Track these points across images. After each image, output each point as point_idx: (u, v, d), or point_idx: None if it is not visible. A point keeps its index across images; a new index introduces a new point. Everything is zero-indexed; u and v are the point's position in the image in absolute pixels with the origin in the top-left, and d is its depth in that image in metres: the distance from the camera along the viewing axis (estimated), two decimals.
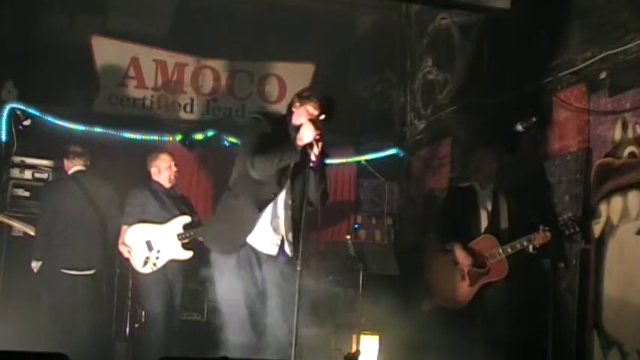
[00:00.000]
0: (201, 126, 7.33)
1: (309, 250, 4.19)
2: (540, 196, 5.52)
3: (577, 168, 5.25)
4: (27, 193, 6.52)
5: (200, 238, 5.36)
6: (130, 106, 7.45)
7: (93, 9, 7.48)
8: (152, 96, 7.52)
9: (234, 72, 7.72)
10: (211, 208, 6.64)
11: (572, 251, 5.22)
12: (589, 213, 5.08)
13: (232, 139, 7.08)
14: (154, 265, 5.72)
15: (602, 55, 5.09)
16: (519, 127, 5.66)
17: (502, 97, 6.10)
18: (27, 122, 6.64)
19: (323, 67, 7.59)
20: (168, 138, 7.14)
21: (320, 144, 3.97)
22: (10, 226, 6.21)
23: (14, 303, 5.74)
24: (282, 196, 4.23)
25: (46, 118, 6.80)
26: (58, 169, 6.41)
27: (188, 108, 7.61)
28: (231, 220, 4.26)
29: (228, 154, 4.46)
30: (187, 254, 5.79)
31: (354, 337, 5.66)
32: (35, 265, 5.77)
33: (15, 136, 6.60)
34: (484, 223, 5.36)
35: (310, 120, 4.04)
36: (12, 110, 6.68)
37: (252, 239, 4.20)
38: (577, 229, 4.96)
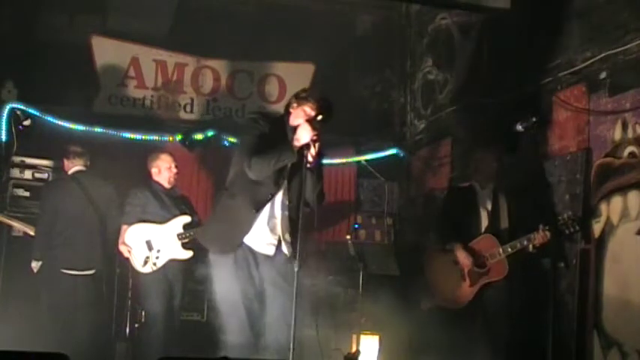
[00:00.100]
0: (201, 126, 7.33)
1: (308, 250, 4.18)
2: (540, 196, 5.52)
3: (577, 168, 5.25)
4: (27, 193, 6.52)
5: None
6: (130, 106, 7.45)
7: (93, 9, 7.48)
8: (152, 96, 7.52)
9: (234, 72, 7.72)
10: (211, 208, 6.64)
11: (572, 251, 5.22)
12: (589, 213, 5.08)
13: (232, 139, 7.07)
14: (154, 264, 5.72)
15: (602, 55, 5.09)
16: (519, 127, 5.66)
17: (502, 97, 6.10)
18: (27, 122, 6.64)
19: (323, 67, 7.59)
20: (168, 138, 7.14)
21: (317, 145, 3.98)
22: (10, 226, 6.21)
23: (14, 303, 5.74)
24: (279, 197, 4.23)
25: (46, 118, 6.80)
26: (58, 169, 6.41)
27: (188, 108, 7.61)
28: (228, 220, 4.26)
29: (228, 154, 4.45)
30: (187, 254, 5.79)
31: (354, 337, 5.66)
32: (35, 265, 5.77)
33: (15, 136, 6.60)
34: (484, 223, 5.36)
35: (307, 121, 4.04)
36: (12, 110, 6.68)
37: (249, 239, 4.20)
38: (577, 228, 4.96)
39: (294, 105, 4.21)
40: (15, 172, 6.56)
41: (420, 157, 7.66)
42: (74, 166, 6.04)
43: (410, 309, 5.79)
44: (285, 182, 4.21)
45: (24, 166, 6.58)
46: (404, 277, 6.18)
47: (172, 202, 5.94)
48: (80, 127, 6.89)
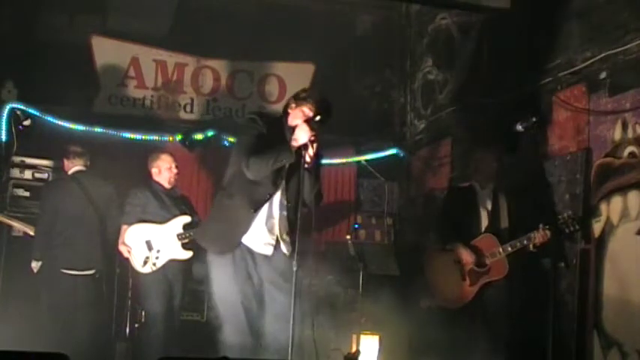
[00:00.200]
0: (201, 126, 7.33)
1: (308, 249, 4.18)
2: (540, 196, 5.53)
3: (577, 168, 5.25)
4: (27, 193, 6.53)
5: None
6: (130, 106, 7.45)
7: (93, 9, 7.48)
8: (152, 96, 7.52)
9: (234, 72, 7.72)
10: (211, 208, 6.65)
11: (572, 251, 5.22)
12: (589, 213, 5.08)
13: (232, 139, 7.07)
14: (154, 265, 5.72)
15: (602, 55, 5.09)
16: (519, 127, 5.66)
17: (502, 97, 6.10)
18: (27, 122, 6.64)
19: (323, 67, 7.59)
20: (168, 138, 7.14)
21: (315, 145, 3.98)
22: (10, 226, 6.21)
23: (14, 303, 5.74)
24: (277, 197, 4.24)
25: (46, 118, 6.80)
26: (58, 169, 6.41)
27: (188, 108, 7.61)
28: (226, 220, 4.26)
29: (228, 154, 4.44)
30: (187, 254, 5.79)
31: (354, 337, 5.66)
32: (35, 265, 5.77)
33: (15, 136, 6.60)
34: (484, 222, 5.36)
35: (306, 121, 4.05)
36: (12, 110, 6.68)
37: (247, 239, 4.21)
38: (577, 227, 4.96)
39: (293, 105, 4.22)
40: (15, 172, 6.56)
41: (420, 157, 7.67)
42: (74, 166, 6.04)
43: (410, 309, 5.80)
44: (284, 182, 4.22)
45: (24, 166, 6.58)
46: (404, 277, 6.17)
47: (172, 202, 5.94)
48: (80, 127, 6.89)
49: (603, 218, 4.99)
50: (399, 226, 7.78)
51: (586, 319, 5.06)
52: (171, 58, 7.56)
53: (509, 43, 6.14)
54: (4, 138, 6.62)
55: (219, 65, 7.69)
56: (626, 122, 4.87)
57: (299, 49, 7.52)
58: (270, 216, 4.23)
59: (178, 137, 7.12)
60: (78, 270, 5.78)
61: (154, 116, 7.48)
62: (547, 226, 4.95)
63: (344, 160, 7.61)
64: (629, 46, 4.87)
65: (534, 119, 5.59)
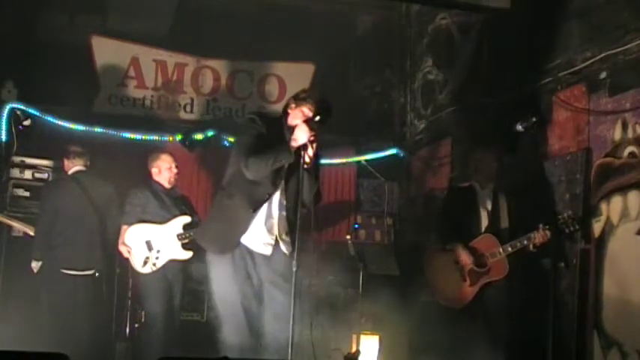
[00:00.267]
0: (201, 126, 7.33)
1: (307, 250, 4.18)
2: (540, 196, 5.52)
3: (577, 168, 5.25)
4: (27, 193, 6.52)
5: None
6: (130, 106, 7.45)
7: (93, 9, 7.48)
8: (152, 96, 7.52)
9: (234, 72, 7.72)
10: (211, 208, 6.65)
11: (572, 251, 5.22)
12: (589, 213, 5.08)
13: (232, 139, 7.06)
14: (154, 265, 5.72)
15: (602, 55, 5.09)
16: (519, 127, 5.66)
17: (502, 97, 6.10)
18: (27, 122, 6.64)
19: (323, 67, 7.59)
20: (168, 138, 7.14)
21: (314, 145, 3.98)
22: (10, 226, 6.21)
23: (14, 303, 5.74)
24: (276, 197, 4.24)
25: (46, 118, 6.80)
26: (58, 169, 6.41)
27: (188, 108, 7.60)
28: (225, 219, 4.27)
29: (228, 154, 4.44)
30: (187, 254, 5.79)
31: (354, 337, 5.66)
32: (35, 265, 5.77)
33: (15, 136, 6.60)
34: (484, 222, 5.36)
35: (305, 121, 4.05)
36: (12, 110, 6.68)
37: (246, 239, 4.21)
38: (577, 227, 4.96)
39: (293, 106, 4.23)
40: (15, 172, 6.56)
41: (420, 157, 7.66)
42: (74, 166, 6.04)
43: (410, 309, 5.79)
44: (283, 182, 4.22)
45: (24, 166, 6.58)
46: (404, 277, 6.18)
47: (172, 202, 5.94)
48: (80, 127, 6.89)
49: (603, 218, 4.99)
50: (399, 226, 7.78)
51: (586, 319, 5.06)
52: (171, 58, 7.56)
53: (509, 43, 6.14)
54: (4, 138, 6.62)
55: (219, 65, 7.69)
56: (626, 122, 4.87)
57: (299, 49, 7.52)
58: (269, 216, 4.23)
59: (178, 137, 7.11)
60: (78, 270, 5.78)
61: (154, 116, 7.48)
62: (547, 226, 4.95)
63: (344, 160, 7.61)
64: (629, 46, 4.87)
65: (534, 119, 5.59)
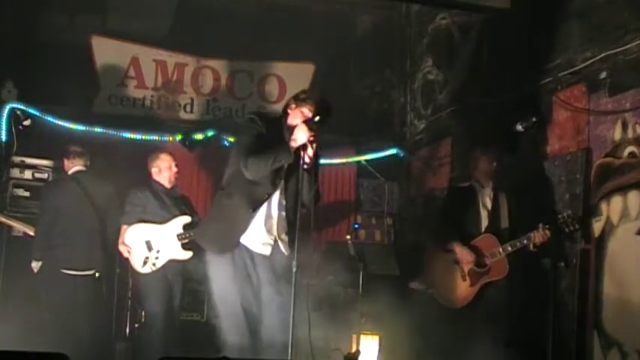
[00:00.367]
0: (201, 126, 7.33)
1: (307, 249, 4.18)
2: (540, 196, 5.52)
3: (577, 168, 5.25)
4: (27, 193, 6.53)
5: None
6: (130, 106, 7.45)
7: (93, 9, 7.48)
8: (152, 96, 7.52)
9: (234, 72, 7.72)
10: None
11: (572, 251, 5.22)
12: (589, 213, 5.08)
13: (232, 139, 7.06)
14: (154, 265, 5.72)
15: (602, 55, 5.08)
16: (519, 127, 5.66)
17: (502, 97, 6.10)
18: (27, 122, 6.64)
19: (323, 67, 7.60)
20: (168, 138, 7.14)
21: (314, 145, 3.99)
22: (10, 226, 6.21)
23: (14, 303, 5.74)
24: (276, 197, 4.25)
25: (46, 118, 6.80)
26: (58, 169, 6.41)
27: (188, 108, 7.61)
28: (224, 219, 4.27)
29: (228, 154, 4.45)
30: (187, 254, 5.79)
31: (354, 337, 5.66)
32: (35, 265, 5.77)
33: (15, 136, 6.60)
34: (484, 222, 5.35)
35: (305, 122, 4.05)
36: (12, 110, 6.68)
37: (245, 239, 4.21)
38: (577, 226, 4.95)
39: (293, 106, 4.23)
40: (15, 172, 6.56)
41: (420, 157, 7.66)
42: (74, 166, 6.04)
43: (410, 309, 5.79)
44: (282, 182, 4.22)
45: (24, 166, 6.58)
46: (404, 277, 6.17)
47: (172, 202, 5.94)
48: (80, 127, 6.89)
49: (603, 218, 4.99)
50: (399, 226, 7.78)
51: (586, 319, 5.06)
52: (171, 58, 7.56)
53: (509, 43, 6.14)
54: (4, 138, 6.62)
55: (219, 65, 7.69)
56: (626, 122, 4.87)
57: (299, 49, 7.52)
58: (269, 216, 4.23)
59: (178, 137, 7.11)
60: (78, 270, 5.78)
61: (154, 116, 7.48)
62: (547, 226, 4.95)
63: (344, 160, 7.61)
64: (629, 46, 4.87)
65: (534, 119, 5.59)
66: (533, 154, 5.73)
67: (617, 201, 4.88)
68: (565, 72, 5.47)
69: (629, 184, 4.77)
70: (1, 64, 6.71)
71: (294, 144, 4.00)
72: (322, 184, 4.89)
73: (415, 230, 7.34)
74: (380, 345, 5.80)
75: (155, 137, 7.12)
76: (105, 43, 7.36)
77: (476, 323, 5.19)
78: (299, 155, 4.02)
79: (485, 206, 5.40)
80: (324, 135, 4.10)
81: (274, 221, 4.25)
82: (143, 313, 5.88)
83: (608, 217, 4.95)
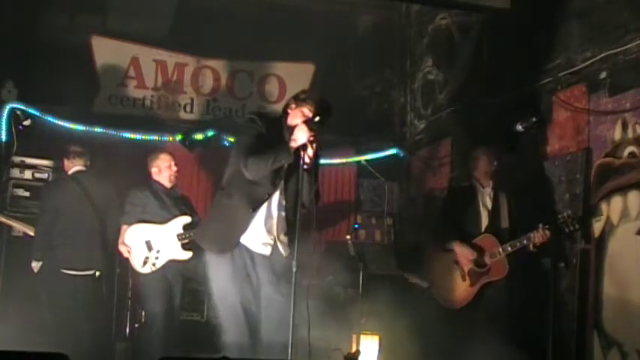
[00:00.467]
0: (201, 126, 7.33)
1: (307, 250, 4.18)
2: (540, 196, 5.52)
3: (577, 168, 5.25)
4: (27, 193, 6.53)
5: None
6: (130, 106, 7.45)
7: (93, 9, 7.48)
8: (152, 96, 7.52)
9: (234, 72, 7.72)
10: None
11: (572, 251, 5.22)
12: (589, 213, 5.08)
13: (232, 139, 7.06)
14: (154, 265, 5.72)
15: (602, 55, 5.08)
16: (519, 127, 5.66)
17: (502, 97, 6.10)
18: (27, 122, 6.64)
19: (323, 67, 7.59)
20: (168, 138, 7.14)
21: (314, 145, 3.98)
22: (10, 226, 6.21)
23: (14, 303, 5.73)
24: (276, 197, 4.24)
25: (46, 118, 6.80)
26: (58, 169, 6.41)
27: (188, 108, 7.61)
28: (224, 219, 4.27)
29: (228, 154, 4.45)
30: (187, 254, 5.79)
31: (354, 337, 5.66)
32: (35, 265, 5.77)
33: (15, 136, 6.60)
34: (484, 222, 5.35)
35: (305, 122, 4.05)
36: (12, 110, 6.68)
37: (245, 239, 4.21)
38: (576, 226, 4.95)
39: (293, 106, 4.23)
40: (15, 172, 6.56)
41: (420, 157, 7.66)
42: (74, 166, 6.04)
43: (410, 309, 5.79)
44: (282, 182, 4.22)
45: (24, 166, 6.59)
46: (404, 277, 6.17)
47: (173, 202, 5.94)
48: (80, 127, 6.89)
49: (603, 218, 4.99)
50: (399, 226, 7.78)
51: (586, 319, 5.06)
52: (171, 58, 7.56)
53: (509, 43, 6.14)
54: (4, 138, 6.62)
55: (219, 65, 7.69)
56: (626, 122, 4.87)
57: (299, 49, 7.52)
58: (269, 216, 4.23)
59: (178, 137, 7.11)
60: (78, 270, 5.78)
61: (154, 116, 7.48)
62: (547, 226, 4.95)
63: (344, 160, 7.61)
64: (629, 46, 4.87)
65: (534, 119, 5.59)
66: (533, 154, 5.73)
67: (617, 201, 4.88)
68: (565, 72, 5.48)
69: (629, 184, 4.77)
70: (1, 64, 6.71)
71: (294, 144, 4.00)
72: (322, 184, 4.89)
73: (415, 230, 7.34)
74: (380, 345, 5.79)
75: (155, 137, 7.12)
76: (105, 43, 7.36)
77: (476, 323, 5.19)
78: (299, 155, 4.02)
79: (485, 206, 5.40)
80: (324, 135, 4.10)
81: (274, 221, 4.25)
82: (143, 313, 5.88)
83: (608, 217, 4.95)
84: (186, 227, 5.81)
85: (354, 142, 7.73)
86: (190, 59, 7.61)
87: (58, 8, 7.32)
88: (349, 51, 7.96)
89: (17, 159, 6.58)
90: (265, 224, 4.22)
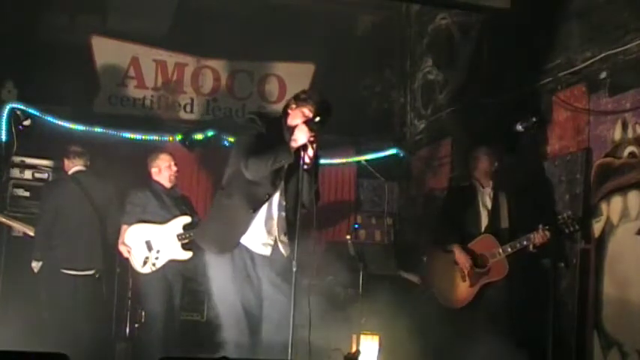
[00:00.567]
0: (201, 126, 7.32)
1: (307, 250, 4.18)
2: (540, 196, 5.53)
3: (577, 168, 5.26)
4: (27, 193, 6.53)
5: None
6: (130, 106, 7.45)
7: (93, 9, 7.49)
8: (152, 96, 7.52)
9: (234, 72, 7.72)
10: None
11: (572, 251, 5.22)
12: (589, 213, 5.08)
13: (232, 139, 7.06)
14: (153, 265, 5.72)
15: (602, 55, 5.09)
16: (519, 127, 5.67)
17: (502, 97, 6.10)
18: (27, 122, 6.64)
19: (323, 67, 7.59)
20: (168, 138, 7.13)
21: (314, 146, 3.98)
22: (10, 226, 6.21)
23: (14, 303, 5.74)
24: (276, 197, 4.24)
25: (46, 118, 6.79)
26: (58, 169, 6.41)
27: (188, 108, 7.60)
28: (224, 220, 4.26)
29: (228, 154, 4.44)
30: (187, 254, 5.78)
31: (354, 337, 5.66)
32: (35, 265, 5.77)
33: (15, 136, 6.60)
34: (484, 222, 5.36)
35: (305, 122, 4.05)
36: (12, 110, 6.67)
37: (245, 239, 4.21)
38: (576, 227, 4.96)
39: (293, 106, 4.22)
40: (15, 172, 6.56)
41: (420, 157, 7.66)
42: (74, 166, 6.04)
43: (410, 309, 5.79)
44: (282, 183, 4.22)
45: (24, 166, 6.59)
46: (404, 278, 6.17)
47: (173, 202, 5.94)
48: (80, 127, 6.88)
49: (603, 218, 4.99)
50: (399, 226, 7.78)
51: (586, 319, 5.06)
52: (171, 58, 7.56)
53: (509, 43, 6.14)
54: (4, 138, 6.62)
55: (219, 65, 7.69)
56: (626, 122, 4.87)
57: (299, 49, 7.52)
58: (269, 216, 4.23)
59: (178, 137, 7.11)
60: (78, 270, 5.78)
61: (154, 116, 7.48)
62: (547, 227, 4.95)
63: (344, 160, 7.61)
64: (629, 46, 4.87)
65: (534, 119, 5.59)
66: (533, 154, 5.74)
67: (617, 201, 4.88)
68: (565, 72, 5.48)
69: (629, 184, 4.78)
70: (1, 64, 6.70)
71: (294, 144, 4.00)
72: (322, 184, 4.89)
73: (415, 230, 7.34)
74: (380, 345, 5.79)
75: (155, 137, 7.12)
76: (105, 43, 7.36)
77: (476, 323, 5.19)
78: (299, 155, 4.02)
79: (485, 206, 5.40)
80: (324, 135, 4.10)
81: (274, 222, 4.25)
82: (143, 313, 5.88)
83: (608, 217, 4.96)
84: (186, 227, 5.80)
85: (354, 142, 7.73)
86: (190, 59, 7.61)
87: (58, 8, 7.33)
88: (349, 51, 7.95)
89: (17, 159, 6.58)
90: (265, 224, 4.22)
